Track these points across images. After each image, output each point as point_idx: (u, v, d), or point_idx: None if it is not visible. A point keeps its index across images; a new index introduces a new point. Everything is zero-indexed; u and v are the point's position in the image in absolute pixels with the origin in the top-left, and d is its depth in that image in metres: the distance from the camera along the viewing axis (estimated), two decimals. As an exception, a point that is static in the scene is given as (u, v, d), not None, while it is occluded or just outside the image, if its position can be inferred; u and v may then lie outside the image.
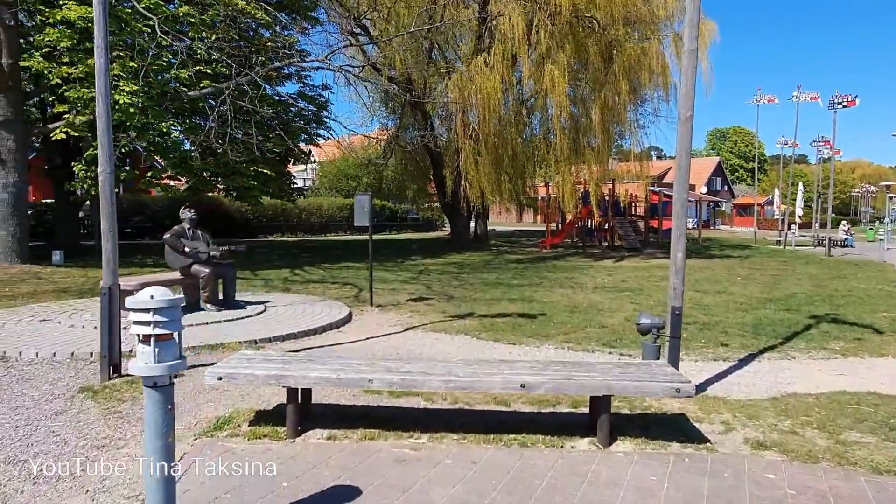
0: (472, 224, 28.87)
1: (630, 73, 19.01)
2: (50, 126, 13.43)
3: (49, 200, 22.10)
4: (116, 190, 14.36)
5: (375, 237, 13.76)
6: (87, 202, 19.87)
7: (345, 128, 49.69)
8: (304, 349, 6.53)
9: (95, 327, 7.01)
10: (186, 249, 8.14)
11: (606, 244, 26.18)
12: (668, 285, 4.90)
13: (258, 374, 3.82)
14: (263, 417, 4.26)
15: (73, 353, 5.93)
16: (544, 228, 30.06)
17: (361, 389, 4.44)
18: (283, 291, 10.96)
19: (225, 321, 7.64)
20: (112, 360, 5.09)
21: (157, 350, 2.30)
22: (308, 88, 20.56)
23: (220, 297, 8.56)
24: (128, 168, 17.48)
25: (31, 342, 6.39)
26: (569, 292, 11.47)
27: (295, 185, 22.42)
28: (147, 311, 2.27)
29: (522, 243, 28.10)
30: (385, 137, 26.23)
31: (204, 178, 17.77)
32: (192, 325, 7.32)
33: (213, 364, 4.15)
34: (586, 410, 4.34)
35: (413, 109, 23.09)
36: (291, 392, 3.86)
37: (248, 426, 4.08)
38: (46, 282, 11.97)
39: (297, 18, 19.10)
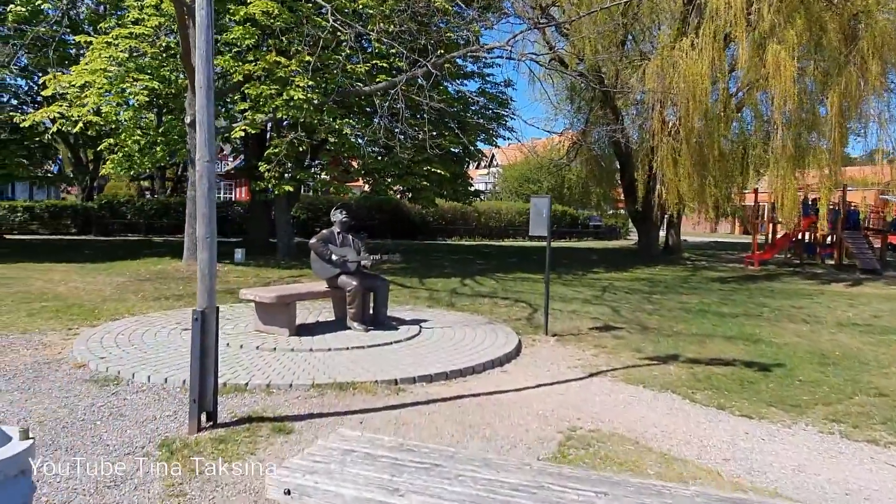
0: (663, 233, 25.82)
1: (883, 52, 15.20)
2: (233, 125, 13.49)
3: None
4: (290, 188, 14.10)
5: (554, 244, 11.98)
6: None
7: (525, 122, 48.14)
8: (457, 397, 5.00)
9: (228, 344, 6.15)
10: (333, 257, 7.05)
11: (833, 263, 21.72)
12: None
13: (344, 495, 2.31)
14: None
15: (184, 381, 4.97)
16: (745, 240, 26.07)
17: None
18: (446, 307, 9.61)
19: (369, 346, 6.38)
20: (203, 406, 3.93)
21: None
22: (490, 86, 19.35)
23: (370, 313, 7.40)
24: (315, 168, 17.41)
25: (154, 359, 5.60)
26: (804, 330, 8.77)
27: (471, 188, 21.33)
28: None
29: (721, 257, 24.44)
30: (569, 138, 24.26)
31: (381, 180, 17.25)
32: (329, 349, 6.16)
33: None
34: None
35: (602, 105, 20.92)
36: (400, 528, 2.32)
37: (337, 563, 2.60)
38: (219, 281, 11.79)
39: (480, 10, 17.93)
